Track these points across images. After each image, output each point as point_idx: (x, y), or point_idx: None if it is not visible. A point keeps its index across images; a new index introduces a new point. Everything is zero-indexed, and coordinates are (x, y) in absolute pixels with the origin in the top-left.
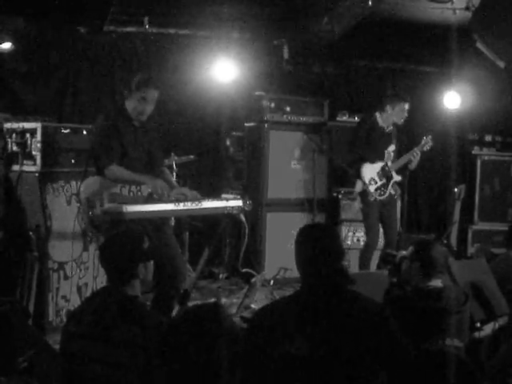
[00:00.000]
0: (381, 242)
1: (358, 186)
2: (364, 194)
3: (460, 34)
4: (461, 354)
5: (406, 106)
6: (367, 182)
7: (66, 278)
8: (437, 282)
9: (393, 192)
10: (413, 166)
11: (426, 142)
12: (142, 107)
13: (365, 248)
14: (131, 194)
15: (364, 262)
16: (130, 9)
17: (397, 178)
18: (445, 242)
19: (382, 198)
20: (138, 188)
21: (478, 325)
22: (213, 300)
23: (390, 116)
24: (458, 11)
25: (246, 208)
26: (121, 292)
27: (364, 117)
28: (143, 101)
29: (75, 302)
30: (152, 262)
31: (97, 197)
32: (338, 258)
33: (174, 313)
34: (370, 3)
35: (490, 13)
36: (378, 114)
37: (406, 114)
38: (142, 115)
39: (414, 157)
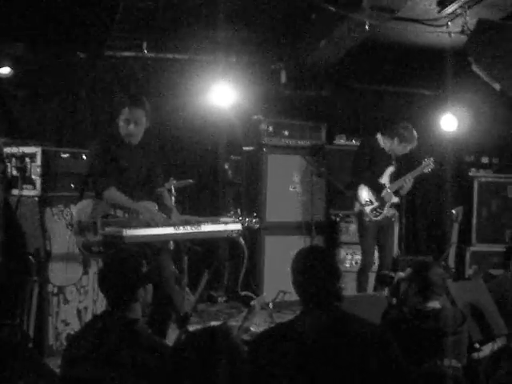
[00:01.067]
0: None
1: (356, 207)
2: (360, 214)
3: (456, 57)
4: (459, 374)
5: (412, 146)
6: (363, 202)
7: (65, 301)
8: (435, 304)
9: (389, 214)
10: (404, 191)
11: (427, 164)
12: (127, 127)
13: (360, 269)
14: (126, 215)
15: (361, 283)
16: (128, 34)
17: (394, 199)
18: (443, 263)
19: (377, 218)
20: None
21: (477, 346)
22: (220, 322)
23: (393, 146)
24: (453, 35)
25: (254, 226)
26: (121, 316)
27: (365, 139)
28: (126, 121)
29: (75, 325)
30: (151, 285)
31: (90, 221)
32: (334, 280)
33: (174, 336)
34: (367, 28)
35: (485, 36)
36: (380, 137)
37: (407, 151)
38: (131, 136)
39: (406, 183)
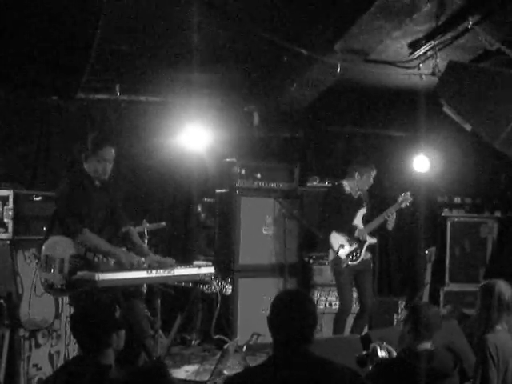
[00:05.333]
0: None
1: (331, 255)
2: (335, 261)
3: (428, 98)
4: None
5: (373, 174)
6: (336, 248)
7: (37, 346)
8: (426, 345)
9: (366, 257)
10: (390, 226)
11: (405, 199)
12: (103, 167)
13: (339, 314)
14: (96, 259)
15: (338, 327)
16: (101, 76)
17: (371, 240)
18: None
19: (354, 263)
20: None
21: None
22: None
23: (358, 183)
24: (424, 77)
25: (227, 292)
26: (94, 361)
27: (332, 185)
28: (103, 161)
29: (47, 370)
30: (124, 331)
31: (57, 257)
32: (310, 327)
33: None
34: (339, 70)
35: (455, 78)
36: (345, 182)
37: (372, 181)
38: (105, 174)
39: (389, 217)
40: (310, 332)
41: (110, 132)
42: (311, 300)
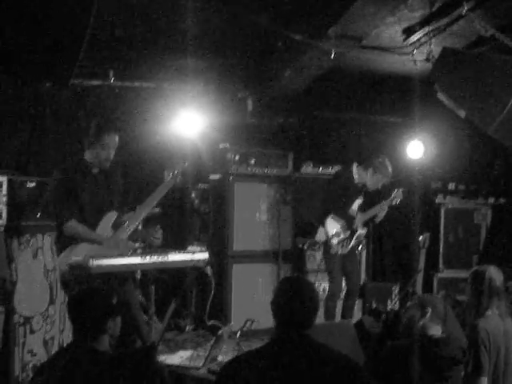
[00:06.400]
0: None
1: (320, 235)
2: (326, 245)
3: (422, 84)
4: None
5: (385, 181)
6: (331, 234)
7: (32, 331)
8: (437, 330)
9: (355, 244)
10: (378, 219)
11: (397, 196)
12: (106, 153)
13: (328, 297)
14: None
15: (329, 310)
16: (95, 62)
17: (362, 230)
18: (410, 290)
19: (344, 251)
20: None
21: None
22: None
23: (366, 177)
24: (418, 63)
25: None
26: (90, 348)
27: (340, 170)
28: (107, 147)
29: (42, 356)
30: (120, 318)
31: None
32: (316, 311)
33: None
34: (333, 56)
35: (449, 64)
36: (354, 169)
37: (378, 187)
38: (107, 162)
39: (380, 211)
40: (312, 317)
41: (114, 118)
42: (313, 286)
